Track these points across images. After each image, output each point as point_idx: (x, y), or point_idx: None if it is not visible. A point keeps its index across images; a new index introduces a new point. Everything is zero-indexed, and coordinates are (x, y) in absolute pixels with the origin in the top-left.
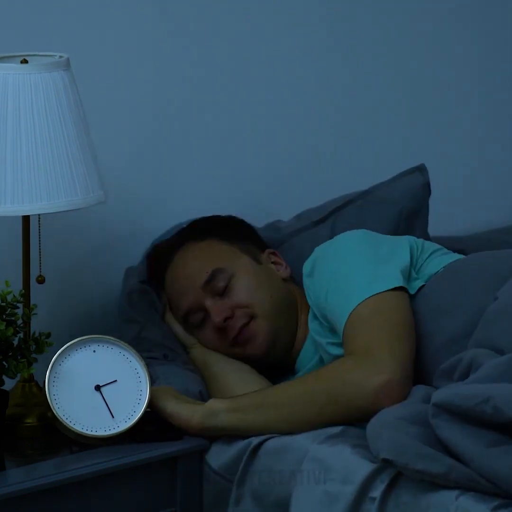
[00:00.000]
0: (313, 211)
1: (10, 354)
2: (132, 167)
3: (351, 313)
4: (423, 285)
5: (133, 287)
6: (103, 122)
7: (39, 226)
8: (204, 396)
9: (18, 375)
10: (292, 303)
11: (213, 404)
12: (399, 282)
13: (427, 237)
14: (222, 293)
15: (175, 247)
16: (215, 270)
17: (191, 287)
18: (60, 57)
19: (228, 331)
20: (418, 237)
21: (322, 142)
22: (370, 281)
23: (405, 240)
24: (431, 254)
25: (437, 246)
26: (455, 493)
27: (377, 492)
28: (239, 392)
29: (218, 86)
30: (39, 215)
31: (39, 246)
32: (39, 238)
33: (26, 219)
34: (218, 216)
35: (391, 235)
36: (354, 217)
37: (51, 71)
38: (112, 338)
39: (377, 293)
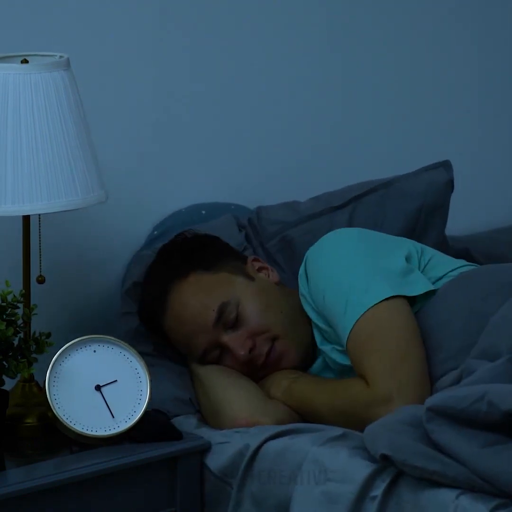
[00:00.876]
0: (333, 195)
1: (10, 354)
2: (133, 167)
3: (350, 334)
4: (433, 290)
5: (137, 279)
6: (103, 122)
7: (39, 226)
8: (194, 404)
9: (18, 375)
10: (299, 307)
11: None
12: (393, 291)
13: (443, 237)
14: (234, 324)
15: (163, 292)
16: (221, 305)
17: (201, 328)
18: (60, 57)
19: (256, 359)
20: (435, 235)
21: (321, 143)
22: (365, 290)
23: (403, 242)
24: (431, 258)
25: (434, 250)
26: (455, 492)
27: (378, 491)
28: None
29: (218, 85)
30: (39, 215)
31: (39, 246)
32: (39, 238)
33: (26, 219)
34: (188, 242)
35: (409, 230)
36: (374, 207)
37: (51, 71)
38: (112, 338)
39: (373, 305)
